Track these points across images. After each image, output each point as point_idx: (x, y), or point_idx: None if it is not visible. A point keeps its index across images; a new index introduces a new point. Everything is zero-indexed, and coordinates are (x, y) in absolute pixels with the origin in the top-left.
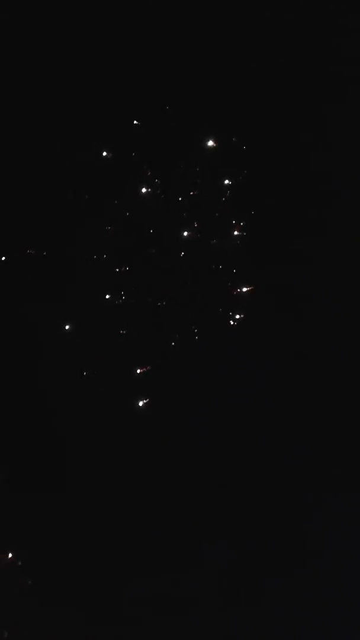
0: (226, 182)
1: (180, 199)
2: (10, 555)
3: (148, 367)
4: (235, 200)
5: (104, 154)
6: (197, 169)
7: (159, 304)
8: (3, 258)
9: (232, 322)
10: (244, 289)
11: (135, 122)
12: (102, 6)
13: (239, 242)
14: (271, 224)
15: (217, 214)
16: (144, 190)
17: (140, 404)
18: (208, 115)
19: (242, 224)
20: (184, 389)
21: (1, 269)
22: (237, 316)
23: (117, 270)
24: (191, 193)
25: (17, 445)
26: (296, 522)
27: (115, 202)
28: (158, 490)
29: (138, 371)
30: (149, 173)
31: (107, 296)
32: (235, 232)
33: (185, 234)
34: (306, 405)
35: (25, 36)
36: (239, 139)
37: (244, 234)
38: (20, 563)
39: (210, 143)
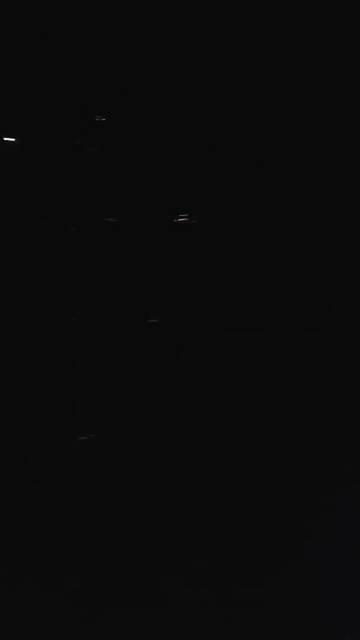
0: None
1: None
2: None
3: (145, 365)
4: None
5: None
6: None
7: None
8: None
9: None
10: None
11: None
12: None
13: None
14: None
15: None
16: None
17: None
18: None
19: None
20: (184, 388)
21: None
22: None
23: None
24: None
25: (16, 443)
26: (296, 523)
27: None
28: (157, 489)
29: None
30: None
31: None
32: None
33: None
34: (308, 406)
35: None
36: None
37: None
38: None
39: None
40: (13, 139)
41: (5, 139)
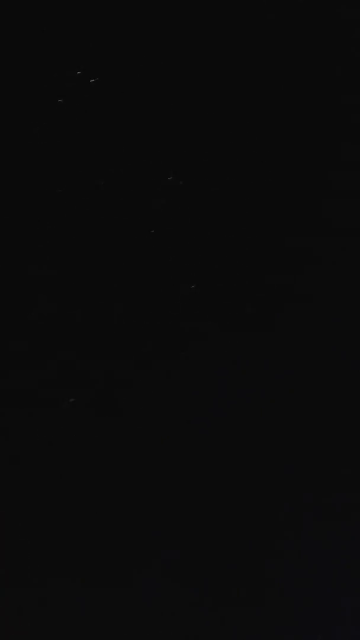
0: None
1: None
2: None
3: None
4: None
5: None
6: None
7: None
8: None
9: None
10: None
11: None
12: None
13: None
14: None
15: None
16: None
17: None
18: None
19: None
20: (184, 388)
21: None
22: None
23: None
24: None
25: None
26: (294, 524)
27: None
28: (157, 490)
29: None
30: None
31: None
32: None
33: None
34: (308, 410)
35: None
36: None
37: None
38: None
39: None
40: None
41: None
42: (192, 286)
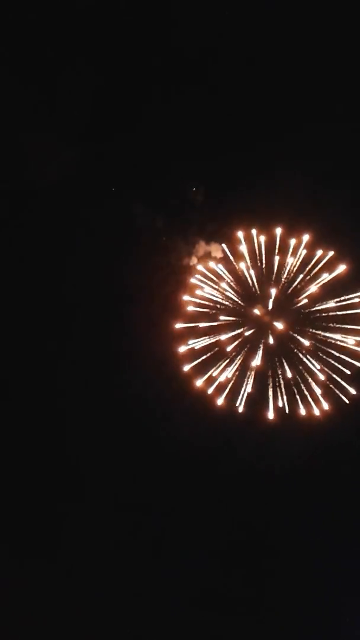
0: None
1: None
2: None
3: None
4: None
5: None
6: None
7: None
8: None
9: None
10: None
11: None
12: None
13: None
14: None
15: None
16: None
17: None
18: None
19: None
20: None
21: None
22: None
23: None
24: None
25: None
26: (294, 524)
27: None
28: (161, 493)
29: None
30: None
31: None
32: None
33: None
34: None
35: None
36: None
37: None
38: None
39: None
40: None
41: None
42: None
